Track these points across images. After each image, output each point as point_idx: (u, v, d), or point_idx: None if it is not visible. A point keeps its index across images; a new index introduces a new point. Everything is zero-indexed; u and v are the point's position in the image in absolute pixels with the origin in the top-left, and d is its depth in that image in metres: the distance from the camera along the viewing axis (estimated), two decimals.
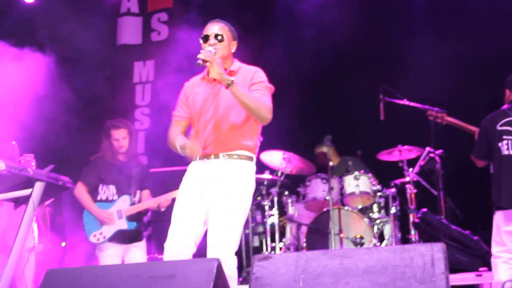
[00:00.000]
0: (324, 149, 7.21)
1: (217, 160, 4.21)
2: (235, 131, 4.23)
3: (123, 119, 6.14)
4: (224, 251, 4.02)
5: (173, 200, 6.04)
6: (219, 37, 4.32)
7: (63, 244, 7.20)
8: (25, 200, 5.38)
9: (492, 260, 5.36)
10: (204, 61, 4.10)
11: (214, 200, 4.14)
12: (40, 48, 8.50)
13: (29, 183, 5.20)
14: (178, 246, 4.13)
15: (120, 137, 5.92)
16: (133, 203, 5.90)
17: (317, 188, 7.28)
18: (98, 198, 5.92)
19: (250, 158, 4.27)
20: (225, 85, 4.07)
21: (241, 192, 4.17)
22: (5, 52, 7.74)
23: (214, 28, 4.37)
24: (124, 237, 5.86)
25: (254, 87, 4.27)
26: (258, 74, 4.35)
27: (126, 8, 9.78)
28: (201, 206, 4.19)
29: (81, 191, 5.88)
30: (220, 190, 4.15)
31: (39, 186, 5.28)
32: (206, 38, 4.34)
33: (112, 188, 5.92)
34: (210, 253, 4.04)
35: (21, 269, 5.96)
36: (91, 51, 9.17)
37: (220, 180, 4.16)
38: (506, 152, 5.33)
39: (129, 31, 9.80)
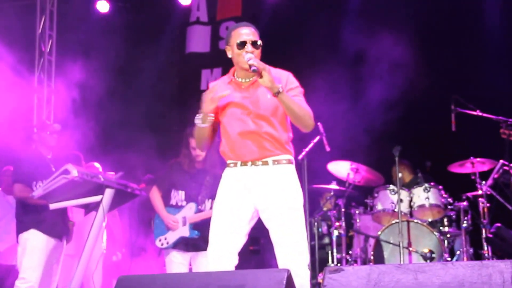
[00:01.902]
0: (400, 170, 7.11)
1: (259, 167, 4.11)
2: (276, 134, 4.13)
3: None
4: (298, 262, 3.97)
5: None
6: (256, 45, 4.20)
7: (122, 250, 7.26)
8: (95, 206, 5.47)
9: None
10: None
11: (273, 209, 4.06)
12: (110, 56, 8.68)
13: (99, 189, 5.29)
14: (227, 253, 4.12)
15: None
16: (199, 211, 5.90)
17: (386, 200, 7.16)
18: (170, 203, 5.95)
19: (292, 162, 4.18)
20: (273, 93, 3.98)
21: (299, 199, 4.11)
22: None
23: (250, 33, 4.22)
24: (187, 245, 5.86)
25: (291, 93, 4.16)
26: (291, 79, 4.25)
27: (195, 17, 10.00)
28: (247, 214, 4.13)
29: (155, 195, 5.92)
30: (277, 198, 4.06)
31: (109, 193, 5.36)
32: (243, 44, 4.17)
33: (181, 194, 5.93)
34: (284, 265, 3.97)
35: (91, 275, 6.05)
36: (161, 59, 9.32)
37: (269, 187, 4.08)
38: None
39: (198, 39, 9.98)
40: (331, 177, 7.57)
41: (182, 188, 5.91)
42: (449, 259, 6.76)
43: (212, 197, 6.00)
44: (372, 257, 6.95)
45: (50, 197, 5.33)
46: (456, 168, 7.20)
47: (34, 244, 5.65)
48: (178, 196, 5.92)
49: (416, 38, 8.10)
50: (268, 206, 4.07)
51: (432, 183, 7.13)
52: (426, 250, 6.73)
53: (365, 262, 7.12)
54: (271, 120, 4.13)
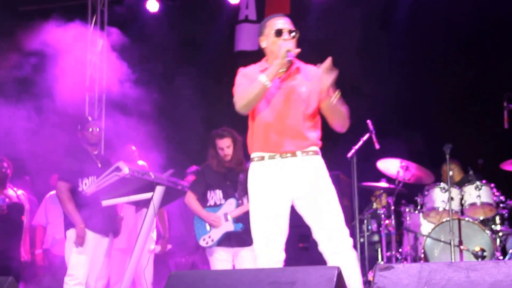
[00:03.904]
0: (451, 168, 7.03)
1: (296, 158, 4.11)
2: (307, 126, 4.15)
3: (227, 128, 6.22)
4: (347, 243, 4.08)
5: None
6: (293, 34, 4.20)
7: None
8: (145, 203, 5.55)
9: None
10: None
11: (318, 198, 4.09)
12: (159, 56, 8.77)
13: (150, 187, 5.37)
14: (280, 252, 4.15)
15: (224, 146, 6.02)
16: (239, 206, 5.97)
17: (436, 198, 7.09)
18: (207, 204, 6.03)
19: (319, 153, 4.20)
20: (331, 101, 4.04)
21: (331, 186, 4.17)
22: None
23: (286, 23, 4.23)
24: (232, 240, 5.92)
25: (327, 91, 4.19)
26: None
27: (244, 15, 10.04)
28: (287, 208, 4.17)
29: (190, 199, 6.02)
30: (317, 187, 4.10)
31: (159, 190, 5.44)
32: (279, 33, 4.19)
33: (218, 193, 6.02)
34: (334, 250, 4.05)
35: (142, 271, 6.14)
36: (210, 58, 9.39)
37: (311, 177, 4.10)
38: None
39: (247, 38, 10.02)
40: (380, 175, 7.52)
41: (218, 187, 6.01)
42: (501, 257, 6.66)
43: (248, 192, 6.07)
44: (422, 255, 6.90)
45: (102, 194, 5.43)
46: (509, 166, 7.08)
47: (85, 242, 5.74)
48: (215, 196, 6.02)
49: (468, 34, 8.01)
50: (307, 192, 4.10)
51: (483, 181, 7.04)
52: (477, 249, 6.64)
53: (415, 260, 7.06)
54: (304, 113, 4.15)
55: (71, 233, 5.75)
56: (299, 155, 4.12)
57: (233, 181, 6.02)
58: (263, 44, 4.30)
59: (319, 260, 7.55)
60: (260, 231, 4.13)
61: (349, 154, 6.69)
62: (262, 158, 4.14)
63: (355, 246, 6.72)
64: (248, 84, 4.12)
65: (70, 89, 7.44)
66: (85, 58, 8.63)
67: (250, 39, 10.05)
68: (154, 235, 6.62)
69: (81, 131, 5.98)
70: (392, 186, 7.37)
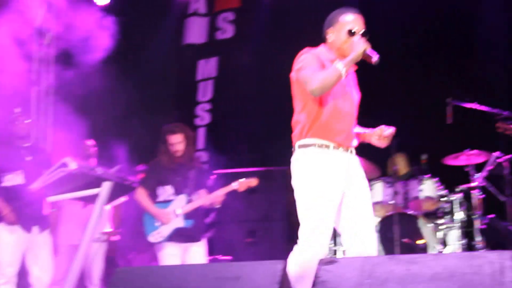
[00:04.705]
0: (397, 161, 7.16)
1: (353, 154, 4.17)
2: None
3: (180, 123, 6.23)
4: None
5: (230, 194, 6.15)
6: (365, 35, 4.12)
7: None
8: (93, 199, 5.52)
9: None
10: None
11: (364, 197, 4.13)
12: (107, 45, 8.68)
13: (97, 182, 5.33)
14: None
15: (176, 141, 6.02)
16: (189, 202, 5.99)
17: (381, 192, 7.21)
18: (157, 200, 6.04)
19: None
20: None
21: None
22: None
23: (361, 23, 4.15)
24: (182, 236, 5.95)
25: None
26: None
27: (193, 9, 10.10)
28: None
29: (140, 194, 6.01)
30: (365, 186, 4.16)
31: (107, 186, 5.41)
32: (352, 33, 4.10)
33: (169, 189, 6.04)
34: (365, 249, 4.01)
35: (89, 266, 6.11)
36: (159, 50, 9.36)
37: (360, 175, 4.16)
38: None
39: (195, 31, 10.09)
40: None
41: (168, 183, 6.02)
42: (442, 250, 6.83)
43: (198, 188, 6.11)
44: None
45: (48, 190, 5.37)
46: (451, 161, 7.25)
47: (2, 239, 5.68)
48: (166, 192, 6.03)
49: (413, 29, 8.13)
50: (359, 188, 4.11)
51: (427, 175, 7.19)
52: (420, 242, 6.79)
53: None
54: (355, 114, 4.22)
55: None
56: (353, 151, 4.17)
57: (184, 177, 6.04)
58: (331, 38, 4.21)
59: (266, 255, 7.66)
60: (321, 217, 3.95)
61: None
62: (327, 146, 4.03)
63: None
64: (320, 68, 4.01)
65: (13, 83, 7.32)
66: (32, 51, 8.50)
67: (198, 32, 10.10)
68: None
69: (10, 124, 5.88)
70: None
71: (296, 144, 4.12)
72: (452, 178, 7.34)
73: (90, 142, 6.82)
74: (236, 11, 9.95)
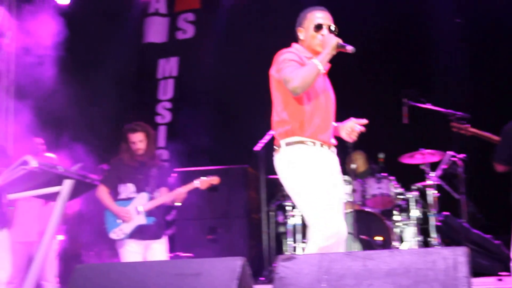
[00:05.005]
0: (356, 159, 7.26)
1: (334, 152, 4.21)
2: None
3: (141, 122, 6.24)
4: None
5: (191, 192, 6.18)
6: (332, 30, 4.21)
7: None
8: (54, 197, 5.49)
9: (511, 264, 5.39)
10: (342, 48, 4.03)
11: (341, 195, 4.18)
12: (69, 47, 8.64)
13: (58, 180, 5.31)
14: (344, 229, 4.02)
15: (137, 140, 6.04)
16: (151, 200, 6.02)
17: None
18: (119, 197, 6.05)
19: None
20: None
21: None
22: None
23: (326, 18, 4.23)
24: (144, 233, 5.97)
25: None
26: None
27: (154, 9, 10.10)
28: None
29: (102, 192, 6.02)
30: (340, 182, 4.23)
31: (68, 184, 5.39)
32: (319, 27, 4.19)
33: (130, 187, 6.06)
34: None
35: (46, 264, 6.07)
36: (119, 48, 9.33)
37: (338, 174, 4.21)
38: None
39: (156, 30, 10.13)
40: None
41: (130, 181, 6.04)
42: (399, 246, 6.95)
43: (160, 186, 6.14)
44: None
45: (9, 188, 5.33)
46: (407, 159, 7.38)
47: None
48: (127, 189, 6.04)
49: (369, 29, 8.21)
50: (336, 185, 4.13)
51: (384, 174, 7.32)
52: (377, 239, 6.90)
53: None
54: (332, 112, 4.25)
55: None
56: (334, 150, 4.21)
57: (145, 175, 6.06)
58: (301, 36, 4.27)
59: (226, 251, 7.69)
60: (325, 202, 3.96)
61: (256, 148, 6.82)
62: (314, 143, 4.09)
63: (260, 237, 6.94)
64: (300, 65, 4.04)
65: None
66: None
67: (159, 31, 10.11)
68: None
69: None
70: None
71: (282, 142, 4.15)
72: (408, 177, 7.47)
73: (39, 140, 6.78)
74: (196, 12, 10.03)
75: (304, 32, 4.23)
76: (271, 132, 7.10)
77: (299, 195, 4.06)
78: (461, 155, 6.79)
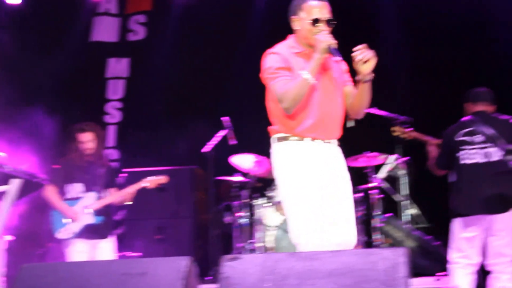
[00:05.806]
0: None
1: (334, 146, 4.13)
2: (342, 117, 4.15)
3: (90, 122, 6.23)
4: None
5: (140, 192, 6.20)
6: (330, 23, 3.98)
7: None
8: (1, 196, 5.43)
9: (450, 266, 5.55)
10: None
11: (345, 188, 4.09)
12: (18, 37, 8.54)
13: (5, 179, 5.26)
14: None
15: (85, 140, 6.04)
16: (99, 199, 6.01)
17: None
18: (67, 196, 6.03)
19: None
20: (365, 80, 3.95)
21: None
22: None
23: (324, 9, 3.98)
24: (91, 232, 5.97)
25: (347, 77, 4.21)
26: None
27: (104, 9, 10.03)
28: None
29: (49, 191, 5.99)
30: (346, 177, 4.12)
31: (15, 183, 5.35)
32: (317, 22, 3.94)
33: (78, 187, 6.05)
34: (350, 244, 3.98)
35: None
36: (66, 46, 9.27)
37: (342, 166, 4.13)
38: (465, 162, 5.51)
39: (105, 29, 10.06)
40: (234, 170, 7.72)
41: (78, 181, 6.03)
42: None
43: (109, 186, 6.15)
44: (272, 246, 7.16)
45: None
46: (352, 162, 7.46)
47: None
48: (75, 189, 6.03)
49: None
50: (341, 179, 4.08)
51: None
52: None
53: (265, 251, 7.32)
54: (339, 101, 4.12)
55: None
56: (334, 143, 4.13)
57: (94, 174, 6.05)
58: (295, 26, 4.06)
59: (174, 251, 7.71)
60: (308, 206, 3.87)
61: (204, 149, 6.86)
62: (302, 139, 3.98)
63: (207, 238, 6.96)
64: (289, 79, 3.89)
65: None
66: None
67: (108, 30, 10.05)
68: None
69: None
70: (247, 180, 7.58)
71: (274, 137, 4.10)
72: (352, 179, 7.57)
73: None
74: (148, 14, 10.00)
75: (300, 23, 4.02)
76: (220, 133, 7.21)
77: (284, 197, 4.03)
78: (405, 158, 6.94)
